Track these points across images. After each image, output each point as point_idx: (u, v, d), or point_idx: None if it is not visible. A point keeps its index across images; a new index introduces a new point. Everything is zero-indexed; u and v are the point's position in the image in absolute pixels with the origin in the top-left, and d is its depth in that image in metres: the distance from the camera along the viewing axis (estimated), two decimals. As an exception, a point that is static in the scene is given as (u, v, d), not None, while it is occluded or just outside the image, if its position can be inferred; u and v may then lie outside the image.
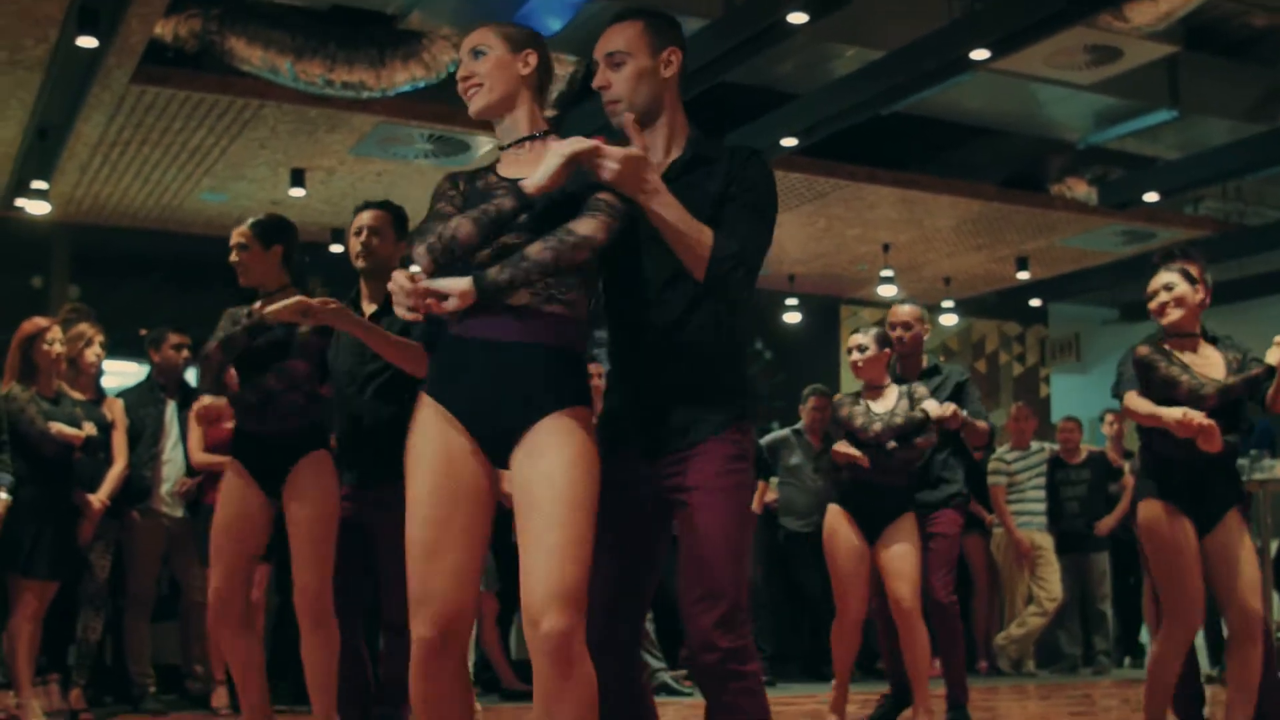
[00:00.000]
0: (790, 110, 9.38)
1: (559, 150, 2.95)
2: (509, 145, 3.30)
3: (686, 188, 3.15)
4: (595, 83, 3.32)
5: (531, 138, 3.28)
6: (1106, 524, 10.16)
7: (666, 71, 3.30)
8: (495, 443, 3.08)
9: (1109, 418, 10.82)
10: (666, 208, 3.03)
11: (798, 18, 7.33)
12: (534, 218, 3.08)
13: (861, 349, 6.31)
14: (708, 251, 3.05)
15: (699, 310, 3.21)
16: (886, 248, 12.60)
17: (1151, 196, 11.26)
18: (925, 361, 6.74)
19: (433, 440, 3.09)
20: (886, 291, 12.58)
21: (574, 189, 3.08)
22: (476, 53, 3.29)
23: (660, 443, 3.21)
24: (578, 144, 2.95)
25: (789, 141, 9.51)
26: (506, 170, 3.25)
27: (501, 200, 3.08)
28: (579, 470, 2.98)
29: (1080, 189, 11.45)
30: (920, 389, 6.25)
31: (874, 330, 6.47)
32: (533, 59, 3.29)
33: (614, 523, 3.14)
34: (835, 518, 6.21)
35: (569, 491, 2.94)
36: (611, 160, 2.96)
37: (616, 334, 3.37)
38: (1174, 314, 5.02)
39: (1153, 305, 5.08)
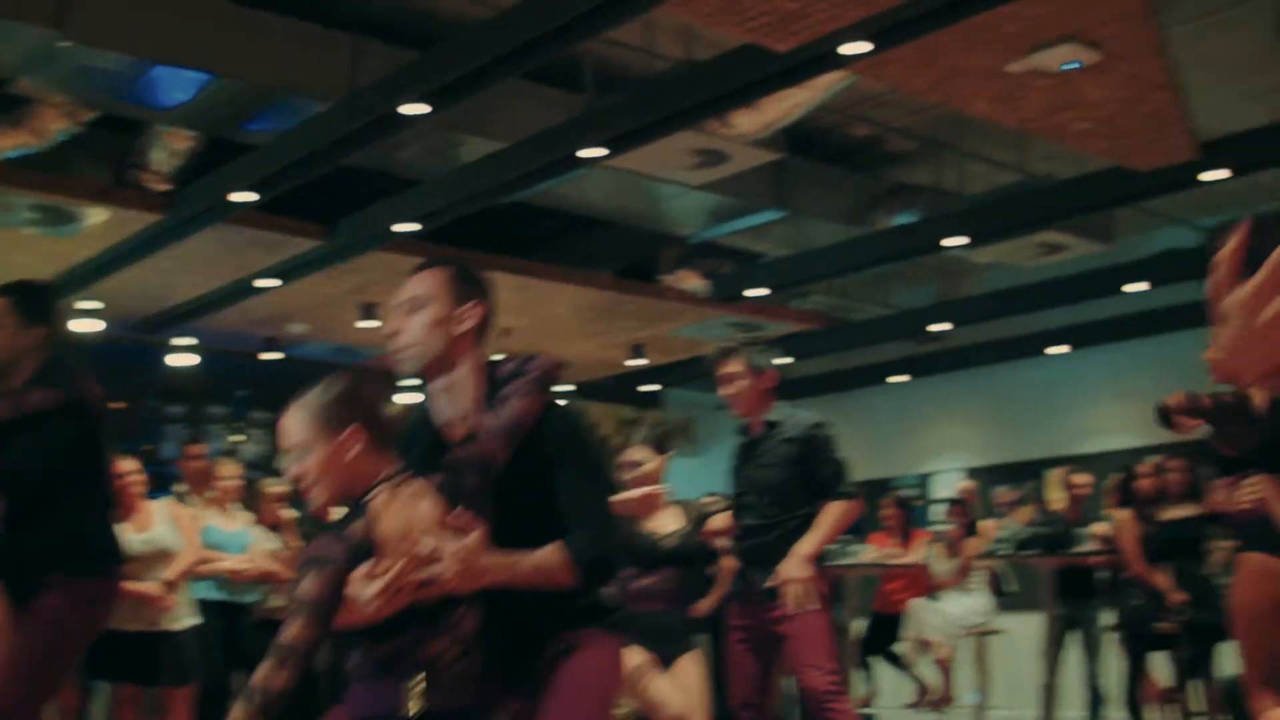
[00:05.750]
0: (411, 196, 9.44)
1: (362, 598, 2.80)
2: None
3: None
4: (385, 329, 3.21)
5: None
6: (705, 606, 10.37)
7: (464, 325, 3.19)
8: None
9: (705, 500, 10.99)
10: (511, 571, 3.00)
11: (416, 109, 7.40)
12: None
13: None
14: (567, 567, 3.06)
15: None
16: (505, 332, 12.75)
17: (760, 291, 11.76)
18: None
19: None
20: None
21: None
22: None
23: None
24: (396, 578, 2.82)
25: (409, 226, 9.56)
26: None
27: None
28: None
29: (692, 281, 11.85)
30: None
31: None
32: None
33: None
34: None
35: None
36: (443, 575, 2.86)
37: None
38: None
39: None
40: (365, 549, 2.82)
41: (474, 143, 9.19)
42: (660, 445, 6.14)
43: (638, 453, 6.05)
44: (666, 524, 5.98)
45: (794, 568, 5.29)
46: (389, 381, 3.21)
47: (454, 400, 3.20)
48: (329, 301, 11.85)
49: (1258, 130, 8.19)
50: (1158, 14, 6.75)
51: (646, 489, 5.89)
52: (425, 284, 3.20)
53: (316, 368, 13.36)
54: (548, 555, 3.05)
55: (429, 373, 3.20)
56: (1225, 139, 8.34)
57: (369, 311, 11.90)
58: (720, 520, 5.92)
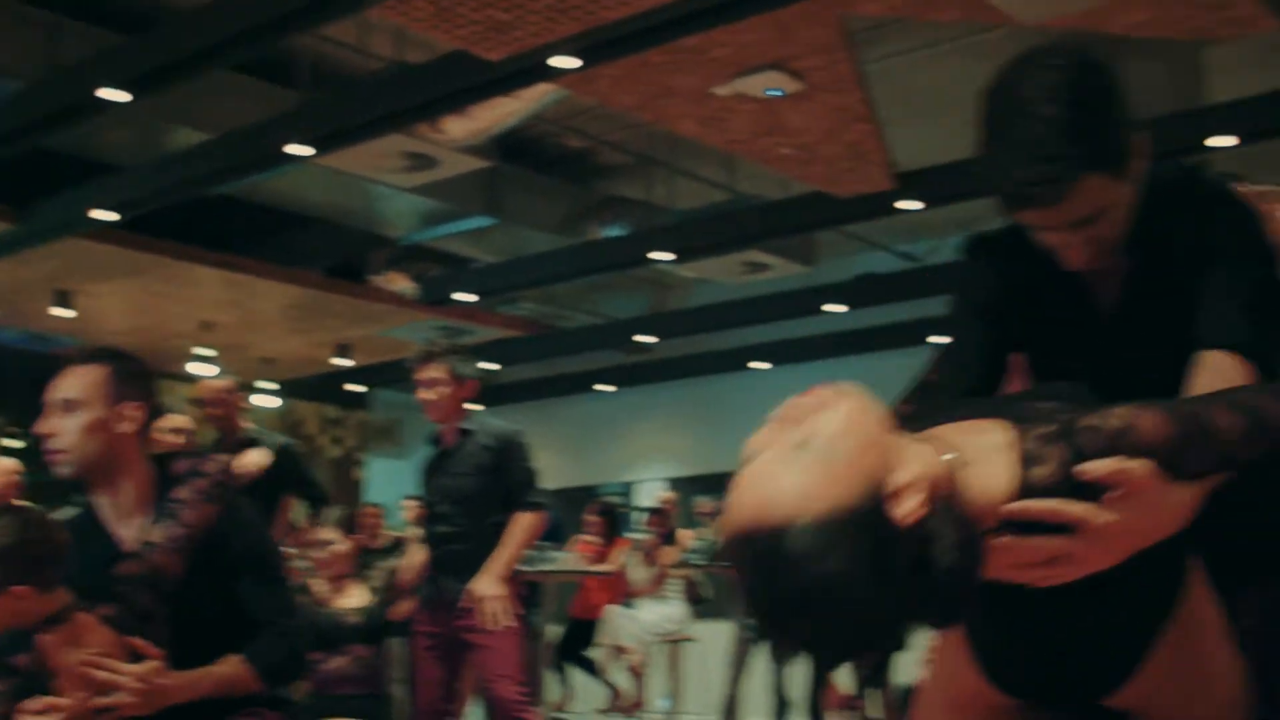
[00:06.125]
0: (110, 182, 9.14)
1: None
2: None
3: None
4: (39, 427, 2.99)
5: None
6: (402, 610, 10.31)
7: (124, 426, 3.03)
8: None
9: (405, 503, 10.90)
10: (195, 689, 2.91)
11: (116, 94, 7.18)
12: None
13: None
14: (252, 676, 3.01)
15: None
16: (207, 326, 12.47)
17: (469, 296, 11.76)
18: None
19: None
20: (203, 370, 12.31)
21: None
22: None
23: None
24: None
25: (108, 215, 9.25)
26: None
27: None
28: None
29: (401, 283, 11.79)
30: None
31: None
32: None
33: None
34: None
35: None
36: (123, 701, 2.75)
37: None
38: None
39: None
40: (35, 681, 2.73)
41: (181, 132, 8.98)
42: (349, 526, 6.39)
43: (326, 533, 6.27)
44: (350, 599, 6.02)
45: (487, 585, 5.30)
46: (57, 520, 3.05)
47: (119, 505, 3.07)
48: (21, 287, 11.39)
49: (950, 164, 8.54)
50: (858, 49, 7.00)
51: None
52: (79, 384, 3.01)
53: (6, 355, 12.83)
54: (231, 668, 3.00)
55: (89, 476, 3.05)
56: (920, 171, 8.68)
57: (64, 299, 11.49)
58: (413, 561, 6.02)
